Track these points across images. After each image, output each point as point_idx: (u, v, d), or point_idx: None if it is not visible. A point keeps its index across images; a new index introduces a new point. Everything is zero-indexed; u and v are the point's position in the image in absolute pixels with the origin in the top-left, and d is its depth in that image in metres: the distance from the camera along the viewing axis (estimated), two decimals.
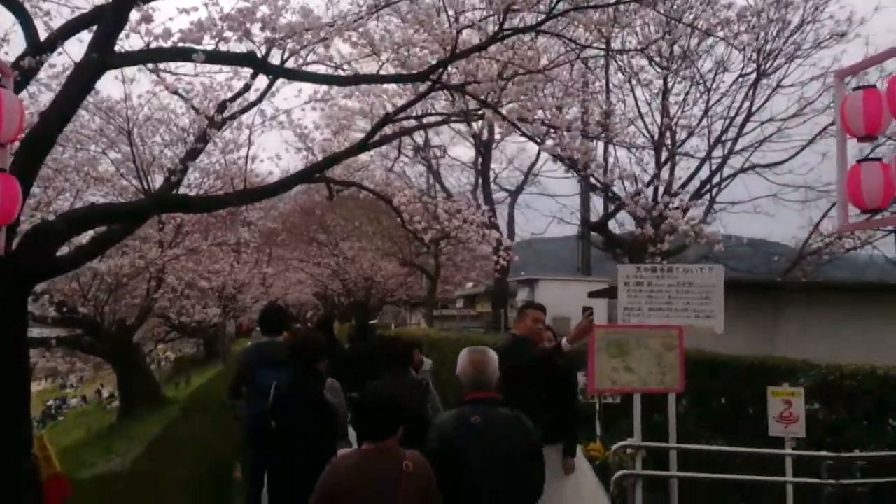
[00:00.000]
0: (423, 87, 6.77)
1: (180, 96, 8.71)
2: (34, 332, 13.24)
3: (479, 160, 18.68)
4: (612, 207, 17.57)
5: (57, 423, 36.55)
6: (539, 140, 6.35)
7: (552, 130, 6.60)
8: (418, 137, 17.65)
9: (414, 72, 6.38)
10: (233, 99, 9.00)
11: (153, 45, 5.21)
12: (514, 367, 4.30)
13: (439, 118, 8.88)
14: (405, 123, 8.39)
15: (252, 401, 4.76)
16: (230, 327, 27.58)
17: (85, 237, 7.45)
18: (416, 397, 4.48)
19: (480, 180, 18.32)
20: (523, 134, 6.55)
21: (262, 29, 5.36)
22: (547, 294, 15.73)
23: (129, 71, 12.23)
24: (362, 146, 7.94)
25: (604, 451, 5.41)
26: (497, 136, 19.09)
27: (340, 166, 10.19)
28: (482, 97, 6.65)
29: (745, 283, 10.71)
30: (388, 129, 8.64)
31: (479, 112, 7.24)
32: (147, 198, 7.59)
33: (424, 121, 8.99)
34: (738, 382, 5.91)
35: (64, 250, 7.03)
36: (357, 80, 6.74)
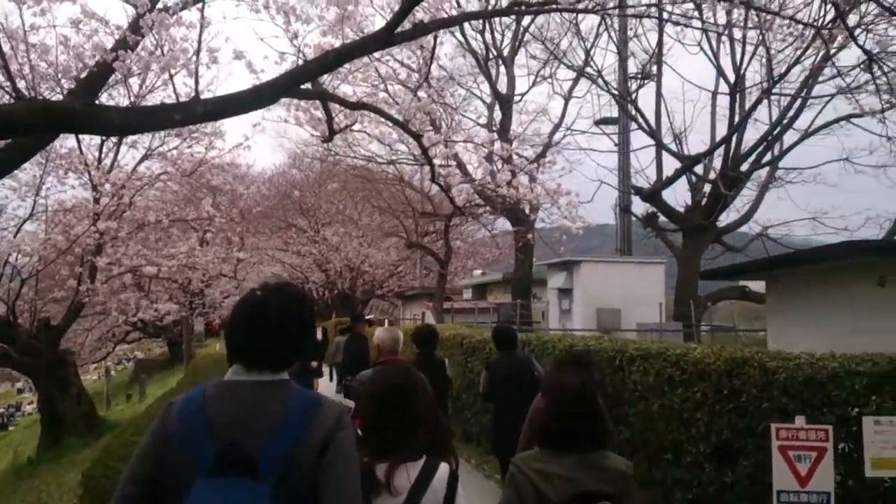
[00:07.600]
0: None
1: None
2: None
3: (498, 118, 15.45)
4: (663, 173, 14.59)
5: (7, 435, 32.78)
6: None
7: None
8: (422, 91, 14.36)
9: None
10: None
11: None
12: None
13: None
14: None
15: None
16: (198, 325, 24.03)
17: None
18: None
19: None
20: None
21: None
22: (591, 280, 12.60)
23: None
24: (387, 35, 5.07)
25: None
26: (521, 87, 15.95)
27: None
28: None
29: None
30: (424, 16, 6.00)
31: None
32: (21, 103, 4.32)
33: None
34: None
35: None
36: None
